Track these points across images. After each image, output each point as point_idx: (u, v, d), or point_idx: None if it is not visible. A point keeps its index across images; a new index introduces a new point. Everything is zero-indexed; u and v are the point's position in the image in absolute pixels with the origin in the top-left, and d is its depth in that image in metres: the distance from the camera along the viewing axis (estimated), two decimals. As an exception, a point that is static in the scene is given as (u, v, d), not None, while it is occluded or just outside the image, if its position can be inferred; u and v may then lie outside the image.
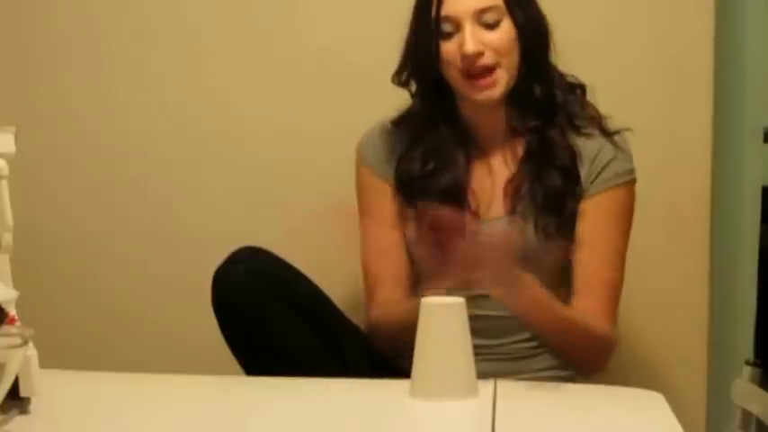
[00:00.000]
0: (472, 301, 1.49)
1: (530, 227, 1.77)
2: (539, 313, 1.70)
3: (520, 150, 1.83)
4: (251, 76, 2.25)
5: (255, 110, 2.25)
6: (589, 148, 1.80)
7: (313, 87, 2.22)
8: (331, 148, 2.16)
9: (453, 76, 1.78)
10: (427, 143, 1.84)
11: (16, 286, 1.36)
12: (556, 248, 1.76)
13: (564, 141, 1.80)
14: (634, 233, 1.81)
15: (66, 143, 2.31)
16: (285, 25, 2.24)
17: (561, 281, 1.77)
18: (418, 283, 1.84)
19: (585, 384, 1.72)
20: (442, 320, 1.42)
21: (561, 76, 1.84)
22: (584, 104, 1.86)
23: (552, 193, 1.78)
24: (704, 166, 2.13)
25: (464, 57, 1.75)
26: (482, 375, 1.45)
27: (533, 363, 1.79)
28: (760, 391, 1.65)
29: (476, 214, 1.79)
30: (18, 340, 1.22)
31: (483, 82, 1.76)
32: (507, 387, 1.51)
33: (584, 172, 1.78)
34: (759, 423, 1.66)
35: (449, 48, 1.77)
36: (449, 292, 1.50)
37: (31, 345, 1.29)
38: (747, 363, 1.70)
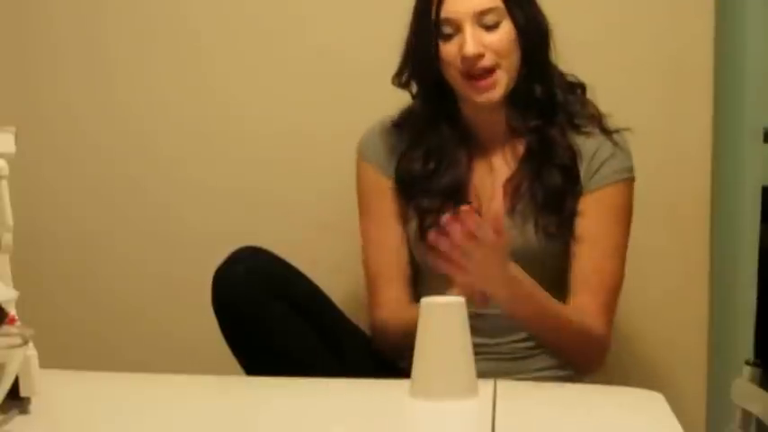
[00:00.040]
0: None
1: (529, 226, 1.77)
2: (530, 311, 1.69)
3: (520, 149, 1.83)
4: (251, 76, 2.25)
5: (255, 110, 2.25)
6: (588, 146, 1.80)
7: (313, 87, 2.22)
8: (331, 148, 2.16)
9: (453, 77, 1.78)
10: (428, 143, 1.84)
11: (16, 286, 1.35)
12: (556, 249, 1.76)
13: (564, 140, 1.80)
14: (634, 233, 1.81)
15: (66, 143, 2.31)
16: (285, 25, 2.24)
17: (562, 281, 1.77)
18: (420, 282, 1.85)
19: (585, 384, 1.72)
20: (442, 320, 1.41)
21: (561, 75, 1.85)
22: (585, 103, 1.86)
23: (552, 192, 1.78)
24: (704, 166, 2.13)
25: (464, 58, 1.75)
26: (481, 375, 1.45)
27: (532, 362, 1.79)
28: (760, 391, 1.65)
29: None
30: (18, 340, 1.22)
31: (483, 83, 1.77)
32: (507, 387, 1.51)
33: (582, 169, 1.79)
34: (759, 423, 1.66)
35: (449, 49, 1.77)
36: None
37: (31, 345, 1.29)
38: (747, 363, 1.70)
